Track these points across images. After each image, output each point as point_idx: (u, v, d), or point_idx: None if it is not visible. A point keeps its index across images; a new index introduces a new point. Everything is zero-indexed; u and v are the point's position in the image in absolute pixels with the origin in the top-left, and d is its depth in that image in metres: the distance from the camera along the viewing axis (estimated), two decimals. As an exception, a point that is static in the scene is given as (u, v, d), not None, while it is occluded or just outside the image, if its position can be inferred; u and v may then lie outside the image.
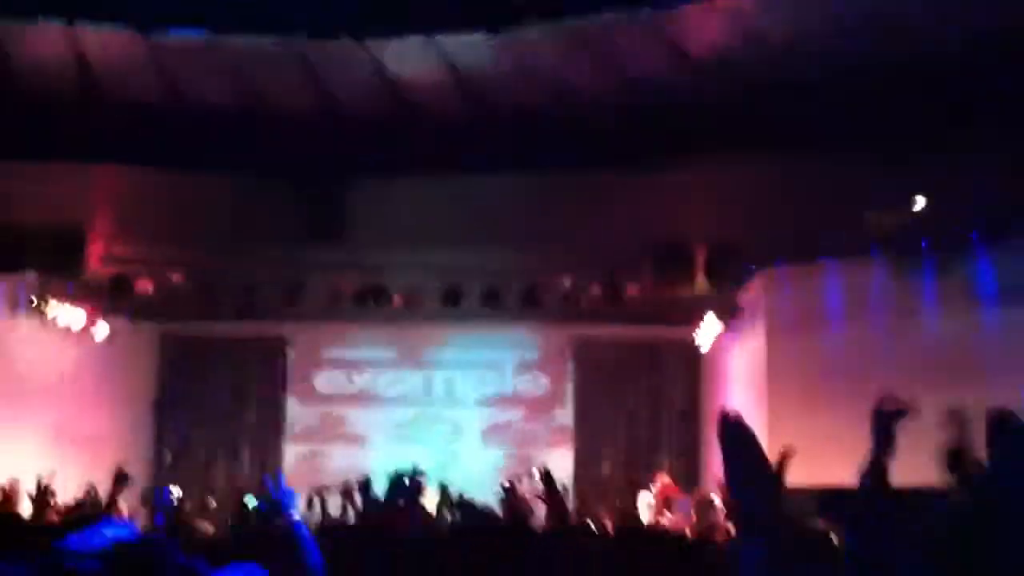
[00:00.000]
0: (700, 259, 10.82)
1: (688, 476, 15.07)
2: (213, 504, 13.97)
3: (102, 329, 13.47)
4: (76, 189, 9.81)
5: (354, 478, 8.31)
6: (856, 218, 9.50)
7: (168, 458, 15.67)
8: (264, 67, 8.28)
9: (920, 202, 9.15)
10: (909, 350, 10.44)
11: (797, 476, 10.13)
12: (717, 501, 10.56)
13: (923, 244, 10.49)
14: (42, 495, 5.84)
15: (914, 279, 10.68)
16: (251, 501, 8.91)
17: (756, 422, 11.38)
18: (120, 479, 5.25)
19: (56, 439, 12.44)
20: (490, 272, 11.96)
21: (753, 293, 12.29)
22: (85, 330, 13.22)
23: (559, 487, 6.99)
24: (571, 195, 9.65)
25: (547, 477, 6.39)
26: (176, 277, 11.76)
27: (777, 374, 11.62)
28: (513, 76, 8.49)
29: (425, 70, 8.37)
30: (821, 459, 8.93)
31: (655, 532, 8.36)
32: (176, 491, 12.49)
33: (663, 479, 12.94)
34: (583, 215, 10.03)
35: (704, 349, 14.09)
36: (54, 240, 10.69)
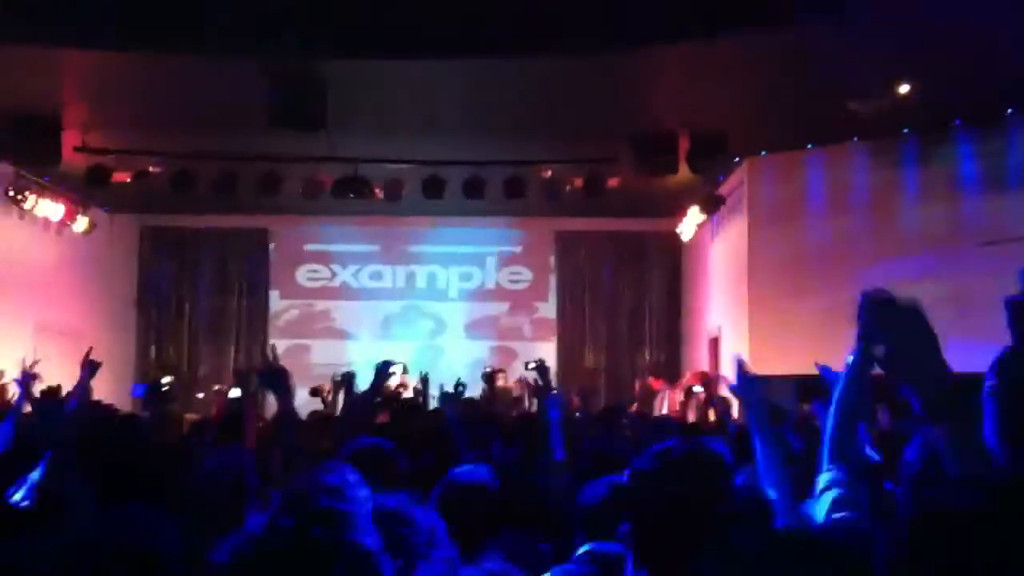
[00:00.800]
0: (683, 148, 10.72)
1: (669, 366, 15.27)
2: (200, 395, 14.16)
3: (81, 222, 13.38)
4: (48, 77, 9.60)
5: (338, 373, 8.39)
6: (838, 105, 9.40)
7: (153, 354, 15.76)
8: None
9: (903, 88, 9.03)
10: (891, 239, 10.48)
11: (775, 365, 10.30)
12: (698, 390, 10.73)
13: (905, 131, 10.45)
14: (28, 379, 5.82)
15: (895, 167, 10.67)
16: None
17: (736, 309, 11.58)
18: (89, 366, 5.20)
19: (37, 332, 12.43)
20: (472, 162, 11.83)
21: (735, 183, 12.27)
22: (64, 223, 13.14)
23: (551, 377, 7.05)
24: (555, 83, 9.51)
25: (542, 368, 6.47)
26: (153, 167, 11.60)
27: (758, 263, 11.67)
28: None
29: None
30: (801, 347, 9.04)
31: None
32: (167, 379, 12.64)
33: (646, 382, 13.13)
34: (565, 103, 9.89)
35: (686, 239, 14.12)
36: (27, 130, 10.50)
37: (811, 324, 10.05)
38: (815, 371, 3.15)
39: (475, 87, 9.81)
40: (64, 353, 11.67)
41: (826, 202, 11.28)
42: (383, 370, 5.10)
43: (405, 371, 11.93)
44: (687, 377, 13.10)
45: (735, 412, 10.25)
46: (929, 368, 1.62)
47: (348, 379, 4.73)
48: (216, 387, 13.52)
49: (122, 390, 14.36)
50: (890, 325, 1.66)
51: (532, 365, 9.33)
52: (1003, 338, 2.18)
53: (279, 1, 8.19)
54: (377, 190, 12.31)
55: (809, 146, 11.28)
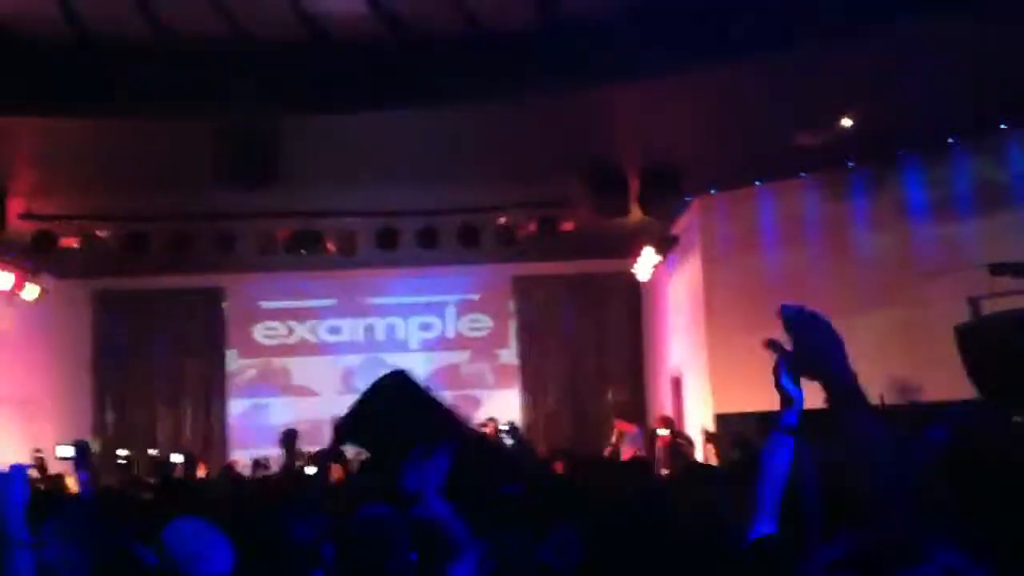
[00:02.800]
0: (634, 189, 10.76)
1: (634, 406, 15.22)
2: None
3: (31, 290, 13.16)
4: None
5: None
6: (785, 140, 9.50)
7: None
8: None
9: (845, 121, 9.15)
10: (844, 268, 10.55)
11: (737, 402, 10.26)
12: (663, 432, 10.72)
13: (851, 162, 10.56)
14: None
15: (846, 198, 10.77)
16: None
17: (696, 348, 11.54)
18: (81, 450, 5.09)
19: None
20: (425, 211, 11.81)
21: (688, 221, 12.32)
22: (14, 292, 12.92)
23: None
24: (505, 129, 9.53)
25: (514, 429, 6.53)
26: (102, 231, 11.45)
27: (714, 299, 11.70)
28: (435, 3, 8.32)
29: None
30: (761, 383, 8.97)
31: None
32: (122, 452, 12.40)
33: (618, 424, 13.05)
34: (517, 147, 9.90)
35: (643, 279, 14.13)
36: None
37: (770, 359, 10.03)
38: (776, 407, 3.09)
39: (425, 136, 9.81)
40: (19, 422, 11.50)
41: (778, 237, 11.36)
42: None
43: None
44: (653, 421, 13.08)
45: (698, 454, 10.32)
46: (838, 366, 1.94)
47: (289, 437, 4.60)
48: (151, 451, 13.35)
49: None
50: (805, 330, 2.00)
51: (505, 427, 9.35)
52: (953, 364, 2.30)
53: (227, 59, 8.15)
54: (331, 243, 12.24)
55: (758, 182, 11.38)
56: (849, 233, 10.86)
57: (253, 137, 9.01)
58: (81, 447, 5.03)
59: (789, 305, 2.04)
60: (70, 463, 9.75)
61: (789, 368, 2.22)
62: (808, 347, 2.03)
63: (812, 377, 2.04)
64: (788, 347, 2.10)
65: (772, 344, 2.17)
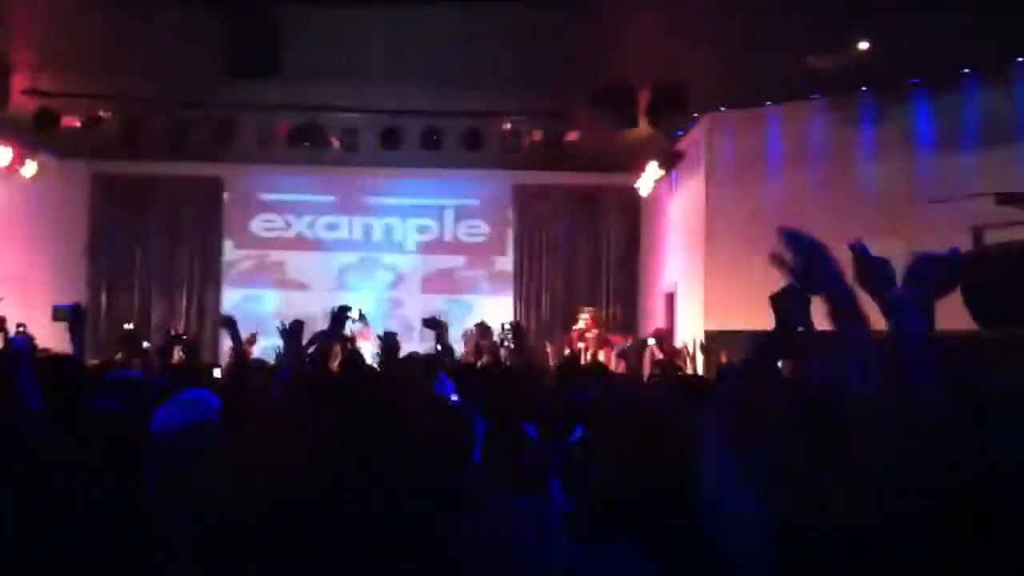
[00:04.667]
0: (643, 103, 10.69)
1: (626, 321, 15.35)
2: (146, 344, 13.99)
3: (30, 167, 13.10)
4: (-2, 20, 9.34)
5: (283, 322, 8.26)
6: (797, 61, 9.39)
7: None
8: None
9: (861, 45, 9.03)
10: (848, 194, 10.54)
11: (734, 321, 10.35)
12: (652, 342, 10.80)
13: (863, 88, 10.49)
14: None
15: (853, 124, 10.71)
16: None
17: (692, 265, 11.59)
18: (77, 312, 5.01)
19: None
20: (430, 113, 11.72)
21: (694, 138, 12.27)
22: (12, 168, 12.87)
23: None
24: (516, 33, 9.40)
25: (516, 329, 6.60)
26: (104, 112, 11.36)
27: (716, 219, 11.70)
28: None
29: None
30: (757, 303, 9.05)
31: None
32: (129, 325, 12.55)
33: (586, 318, 13.21)
34: (527, 54, 9.79)
35: (643, 195, 14.12)
36: (-26, 73, 10.25)
37: (766, 280, 10.08)
38: (769, 327, 3.12)
39: (436, 36, 9.65)
40: (12, 299, 11.51)
41: (783, 159, 11.32)
42: (340, 314, 5.09)
43: (362, 319, 11.90)
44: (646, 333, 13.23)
45: (688, 367, 10.43)
46: (835, 281, 2.09)
47: (295, 329, 4.63)
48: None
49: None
50: (807, 252, 2.13)
51: (507, 326, 9.42)
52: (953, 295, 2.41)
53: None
54: (334, 139, 12.17)
55: (768, 103, 11.29)
56: (855, 159, 10.82)
57: (257, 28, 8.88)
58: (78, 309, 4.99)
59: (789, 228, 2.14)
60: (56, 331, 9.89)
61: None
62: (811, 267, 2.12)
63: (816, 294, 2.15)
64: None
65: (775, 259, 2.21)
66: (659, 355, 10.18)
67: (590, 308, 13.86)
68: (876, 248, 2.45)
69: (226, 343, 9.00)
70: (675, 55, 9.77)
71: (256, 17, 8.65)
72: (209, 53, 8.85)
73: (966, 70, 9.84)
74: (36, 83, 10.74)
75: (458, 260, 16.14)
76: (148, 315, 15.49)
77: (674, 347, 11.51)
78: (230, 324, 5.85)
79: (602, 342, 12.40)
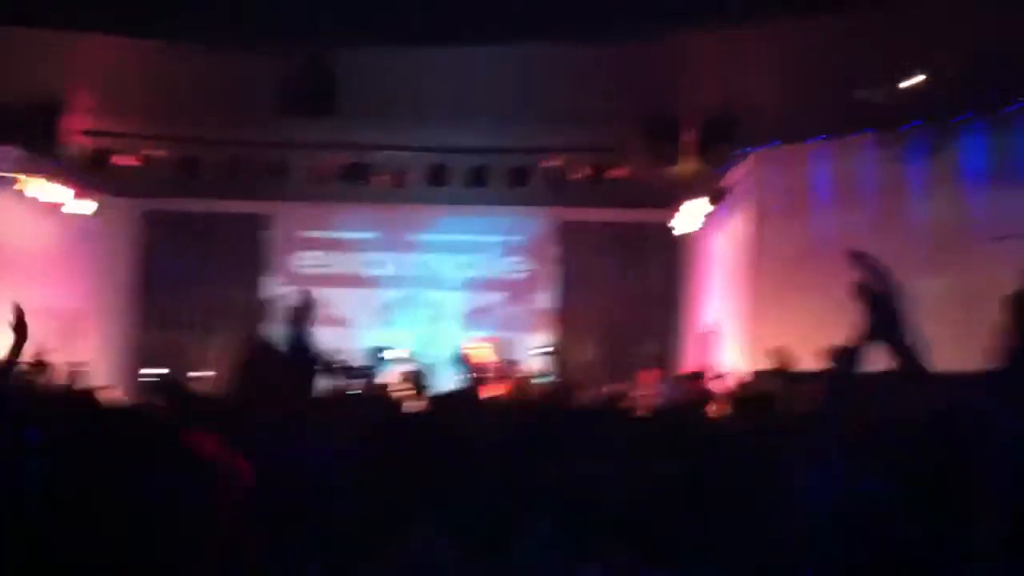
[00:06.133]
0: (690, 139, 10.68)
1: (668, 358, 15.25)
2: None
3: (84, 206, 13.31)
4: (54, 60, 9.52)
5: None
6: (847, 96, 9.37)
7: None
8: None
9: (913, 79, 9.00)
10: (898, 232, 10.44)
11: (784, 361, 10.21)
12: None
13: (914, 123, 10.41)
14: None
15: (905, 159, 10.63)
16: None
17: (742, 306, 11.48)
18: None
19: (36, 315, 12.35)
20: (477, 150, 11.80)
21: (741, 175, 12.23)
22: (68, 207, 13.07)
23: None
24: (564, 69, 9.47)
25: (557, 355, 6.57)
26: (157, 152, 11.55)
27: (765, 257, 11.63)
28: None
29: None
30: (807, 343, 8.95)
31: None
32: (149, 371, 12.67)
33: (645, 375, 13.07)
34: (574, 90, 9.85)
35: (684, 231, 14.06)
36: (31, 114, 10.44)
37: (812, 319, 10.02)
38: (812, 367, 3.13)
39: (484, 74, 9.76)
40: (61, 335, 11.68)
41: (832, 195, 11.26)
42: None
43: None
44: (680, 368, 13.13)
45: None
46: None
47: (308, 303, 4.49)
48: None
49: (121, 374, 14.33)
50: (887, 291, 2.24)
51: (544, 350, 9.36)
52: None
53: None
54: (379, 177, 12.28)
55: (817, 138, 11.24)
56: (905, 196, 10.73)
57: (311, 69, 9.02)
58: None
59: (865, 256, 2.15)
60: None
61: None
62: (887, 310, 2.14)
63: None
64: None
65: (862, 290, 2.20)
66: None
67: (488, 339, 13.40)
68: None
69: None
70: (723, 89, 9.78)
71: (314, 57, 8.78)
72: (260, 94, 9.00)
73: (1020, 104, 9.76)
74: (92, 123, 10.94)
75: (500, 297, 16.15)
76: (198, 352, 15.58)
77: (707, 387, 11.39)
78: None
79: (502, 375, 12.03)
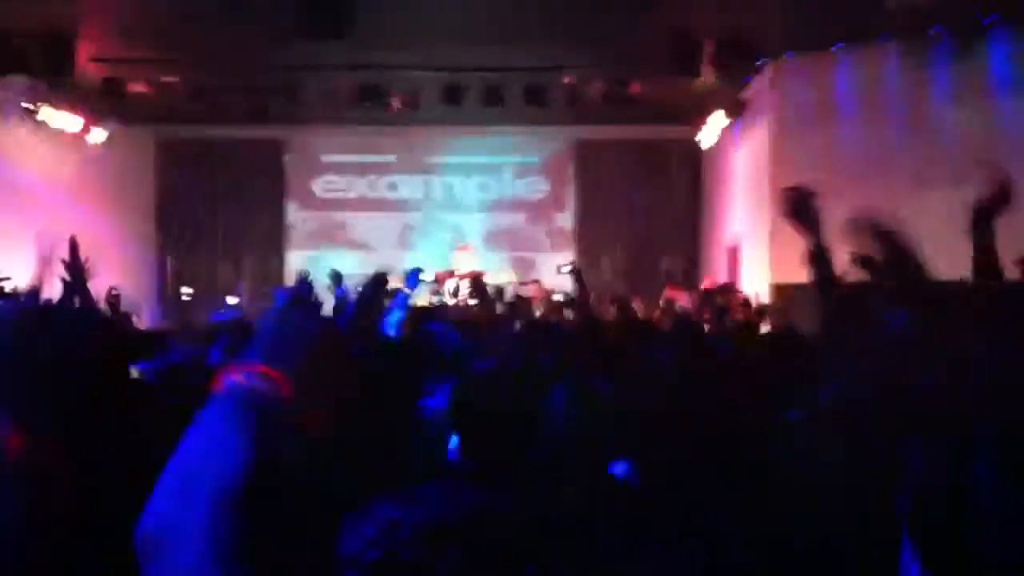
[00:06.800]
0: (707, 51, 10.49)
1: (687, 275, 15.24)
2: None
3: (98, 134, 13.27)
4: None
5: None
6: (867, 2, 9.15)
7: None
8: None
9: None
10: (921, 142, 10.28)
11: (799, 274, 10.17)
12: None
13: (939, 27, 10.15)
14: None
15: (928, 68, 10.41)
16: None
17: (758, 217, 11.38)
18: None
19: (55, 246, 12.40)
20: (491, 69, 11.65)
21: (760, 86, 12.04)
22: (81, 136, 13.04)
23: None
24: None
25: (577, 273, 6.49)
26: (170, 78, 11.45)
27: (784, 170, 11.46)
28: None
29: None
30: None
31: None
32: (187, 290, 12.79)
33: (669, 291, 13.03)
34: (587, 7, 9.68)
35: (706, 147, 13.93)
36: (43, 41, 10.35)
37: (833, 233, 9.91)
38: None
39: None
40: (89, 263, 11.70)
41: (853, 106, 11.04)
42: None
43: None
44: (703, 283, 13.09)
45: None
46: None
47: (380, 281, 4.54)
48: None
49: (143, 302, 14.40)
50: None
51: (567, 268, 9.31)
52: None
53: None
54: (395, 98, 12.17)
55: (837, 46, 10.99)
56: (930, 105, 10.51)
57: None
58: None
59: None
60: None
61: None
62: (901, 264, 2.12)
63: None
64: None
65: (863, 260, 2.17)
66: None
67: (535, 279, 13.50)
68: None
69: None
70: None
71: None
72: (273, 15, 8.88)
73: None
74: (103, 51, 10.83)
75: (519, 217, 16.11)
76: (215, 278, 15.68)
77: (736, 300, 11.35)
78: (338, 279, 5.88)
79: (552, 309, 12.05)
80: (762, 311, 10.51)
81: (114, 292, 9.89)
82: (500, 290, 10.48)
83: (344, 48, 9.90)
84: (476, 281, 7.19)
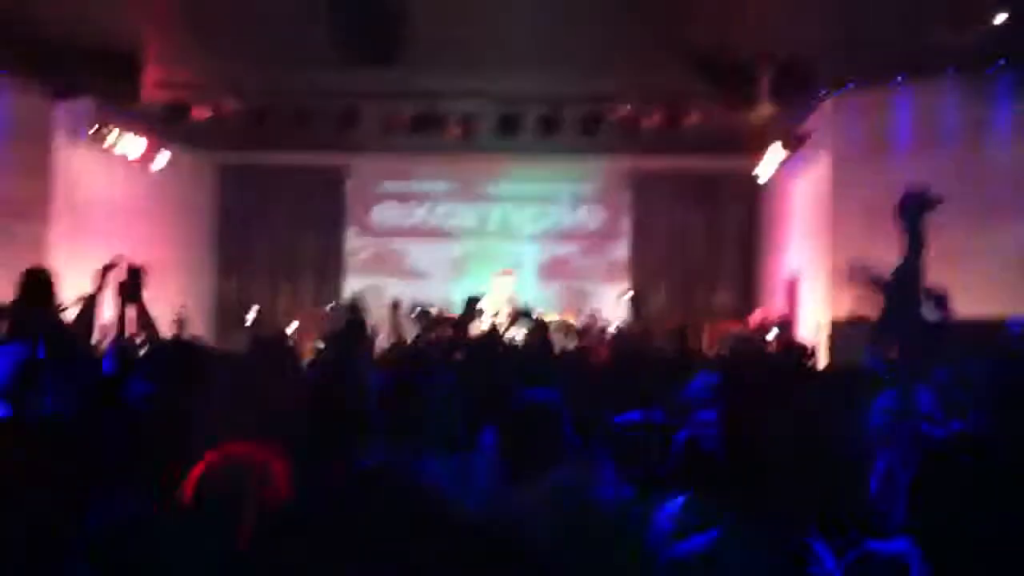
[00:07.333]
0: (765, 83, 10.43)
1: (744, 309, 15.06)
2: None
3: (161, 158, 13.53)
4: (131, 11, 9.65)
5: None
6: (928, 35, 9.04)
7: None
8: None
9: (998, 17, 8.64)
10: (980, 178, 10.10)
11: (858, 309, 10.00)
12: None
13: (998, 64, 10.01)
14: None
15: (989, 102, 10.25)
16: None
17: (817, 254, 11.25)
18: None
19: (117, 267, 12.64)
20: (548, 98, 11.70)
21: (818, 120, 11.92)
22: (143, 159, 13.30)
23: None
24: (633, 15, 9.31)
25: (635, 301, 6.49)
26: (231, 103, 11.67)
27: (842, 203, 11.34)
28: None
29: None
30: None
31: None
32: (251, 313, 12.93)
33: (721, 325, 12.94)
34: (646, 33, 9.68)
35: (764, 179, 13.80)
36: (110, 65, 10.62)
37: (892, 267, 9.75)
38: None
39: (553, 19, 9.63)
40: (151, 287, 11.92)
41: (913, 140, 10.90)
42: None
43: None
44: (755, 315, 12.95)
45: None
46: None
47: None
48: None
49: (201, 326, 14.62)
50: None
51: (627, 296, 9.31)
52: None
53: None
54: (452, 127, 12.27)
55: (897, 79, 10.86)
56: (988, 140, 10.34)
57: (382, 16, 8.98)
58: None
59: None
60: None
61: None
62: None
63: None
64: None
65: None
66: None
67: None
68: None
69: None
70: (800, 31, 9.52)
71: (377, 3, 8.74)
72: (332, 41, 9.01)
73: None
74: (167, 75, 11.08)
75: (574, 247, 16.08)
76: (274, 303, 15.82)
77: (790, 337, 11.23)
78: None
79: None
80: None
81: (182, 314, 10.05)
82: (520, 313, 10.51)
83: (401, 76, 10.00)
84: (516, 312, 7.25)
